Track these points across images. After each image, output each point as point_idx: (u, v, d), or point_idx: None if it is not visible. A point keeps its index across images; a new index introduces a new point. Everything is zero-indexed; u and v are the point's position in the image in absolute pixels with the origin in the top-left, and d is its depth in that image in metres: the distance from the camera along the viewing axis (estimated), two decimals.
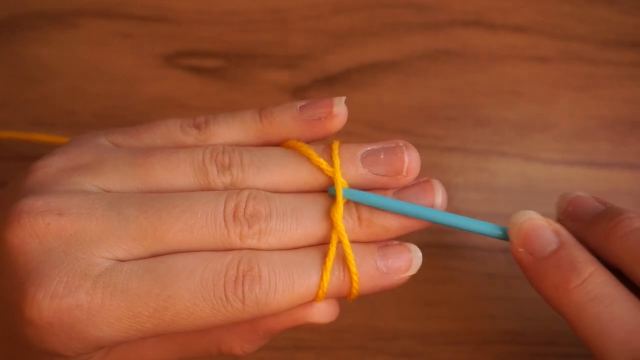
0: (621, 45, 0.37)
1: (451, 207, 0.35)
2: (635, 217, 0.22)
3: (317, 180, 0.23)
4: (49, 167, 0.22)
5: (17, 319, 0.20)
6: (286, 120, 0.24)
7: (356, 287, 0.22)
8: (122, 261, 0.21)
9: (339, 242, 0.22)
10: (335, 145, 0.24)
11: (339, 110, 0.24)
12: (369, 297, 0.34)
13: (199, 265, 0.21)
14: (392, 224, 0.23)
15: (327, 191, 0.23)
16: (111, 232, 0.21)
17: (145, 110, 0.37)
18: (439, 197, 0.24)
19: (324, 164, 0.23)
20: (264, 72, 0.37)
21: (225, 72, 0.37)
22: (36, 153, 0.36)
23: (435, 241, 0.34)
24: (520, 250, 0.23)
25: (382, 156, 0.23)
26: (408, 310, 0.34)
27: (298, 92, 0.37)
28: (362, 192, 0.23)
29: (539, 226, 0.23)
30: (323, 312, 0.23)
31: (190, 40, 0.38)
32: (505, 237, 0.23)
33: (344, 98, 0.24)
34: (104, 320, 0.20)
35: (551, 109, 0.36)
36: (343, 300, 0.33)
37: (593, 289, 0.21)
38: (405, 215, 0.23)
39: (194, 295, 0.21)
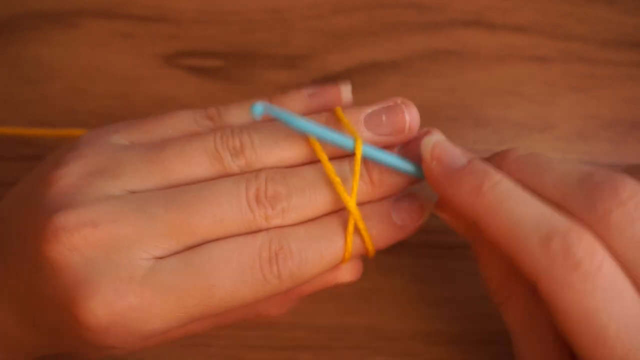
0: (621, 45, 0.37)
1: None
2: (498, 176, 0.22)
3: (328, 151, 0.24)
4: (68, 177, 0.23)
5: (75, 326, 0.22)
6: (297, 108, 0.26)
7: (371, 245, 0.24)
8: (160, 258, 0.22)
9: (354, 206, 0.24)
10: (340, 112, 0.24)
11: (347, 97, 0.26)
12: (369, 297, 0.34)
13: (234, 252, 0.22)
14: (401, 180, 0.25)
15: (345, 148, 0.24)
16: (145, 234, 0.22)
17: (146, 110, 0.37)
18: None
19: (318, 147, 0.24)
20: (264, 72, 0.37)
21: (225, 72, 0.37)
22: (37, 153, 0.36)
23: (435, 241, 0.34)
24: (434, 163, 0.23)
25: (384, 118, 0.24)
26: (408, 310, 0.34)
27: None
28: (378, 150, 0.24)
29: (449, 144, 0.24)
30: (349, 272, 0.26)
31: (191, 40, 0.38)
32: (418, 173, 0.24)
33: (349, 86, 0.26)
34: (156, 316, 0.22)
35: (551, 109, 0.36)
36: (343, 300, 0.33)
37: (505, 189, 0.22)
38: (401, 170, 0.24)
39: (234, 281, 0.22)
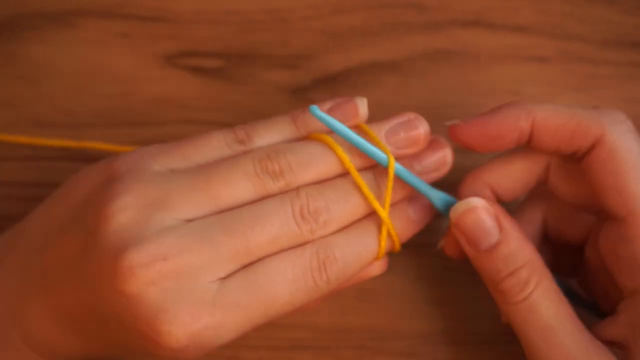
0: (621, 45, 0.37)
1: None
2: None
3: (354, 162, 0.27)
4: (125, 212, 0.24)
5: (151, 347, 0.24)
6: (318, 125, 0.28)
7: (398, 243, 0.28)
8: (224, 279, 0.25)
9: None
10: (366, 127, 0.28)
11: (364, 111, 0.28)
12: (369, 297, 0.34)
13: (288, 267, 0.25)
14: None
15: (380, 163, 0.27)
16: (211, 260, 0.24)
17: (146, 110, 0.37)
18: (448, 150, 0.29)
19: (348, 161, 0.27)
20: (264, 72, 0.37)
21: (225, 72, 0.37)
22: (38, 154, 0.36)
23: (435, 241, 0.34)
24: (458, 234, 0.27)
25: (402, 134, 0.28)
26: (408, 310, 0.34)
27: (298, 92, 0.37)
28: (406, 171, 0.27)
29: (478, 218, 0.27)
30: (379, 267, 0.29)
31: (190, 40, 0.38)
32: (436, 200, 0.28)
33: (365, 99, 0.29)
34: (227, 331, 0.25)
35: None
36: (343, 300, 0.33)
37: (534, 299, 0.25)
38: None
39: (291, 291, 0.25)
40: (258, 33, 0.38)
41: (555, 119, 0.26)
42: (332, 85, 0.37)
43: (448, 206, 0.28)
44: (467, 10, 0.38)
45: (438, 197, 0.28)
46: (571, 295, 0.30)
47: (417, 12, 0.38)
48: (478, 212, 0.26)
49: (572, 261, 0.30)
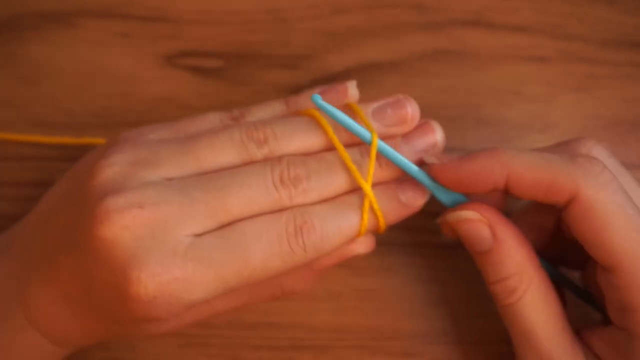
0: (621, 45, 0.37)
1: None
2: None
3: (340, 137, 0.28)
4: (114, 166, 0.26)
5: (122, 299, 0.24)
6: (309, 105, 0.29)
7: (383, 222, 0.27)
8: (199, 235, 0.25)
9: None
10: (355, 106, 0.28)
11: (354, 93, 0.29)
12: (369, 297, 0.34)
13: (264, 228, 0.25)
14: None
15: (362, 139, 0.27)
16: (186, 213, 0.24)
17: (146, 110, 0.37)
18: (439, 134, 0.28)
19: (333, 135, 0.27)
20: (264, 72, 0.37)
21: (225, 72, 0.37)
22: (38, 154, 0.36)
23: (435, 241, 0.34)
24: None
25: (389, 111, 0.28)
26: (407, 310, 0.34)
27: (298, 92, 0.37)
28: (390, 149, 0.27)
29: (475, 227, 0.27)
30: (364, 245, 0.28)
31: (190, 40, 0.38)
32: (419, 175, 0.28)
33: (354, 82, 0.29)
34: (197, 286, 0.24)
35: (551, 109, 0.36)
36: (343, 300, 0.33)
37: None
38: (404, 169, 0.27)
39: (265, 252, 0.25)
40: (258, 33, 0.38)
41: (529, 173, 0.25)
42: None
43: (441, 191, 0.28)
44: (467, 10, 0.38)
45: (431, 183, 0.28)
46: (570, 285, 0.30)
47: (417, 12, 0.38)
48: (473, 223, 0.27)
49: (580, 257, 0.30)
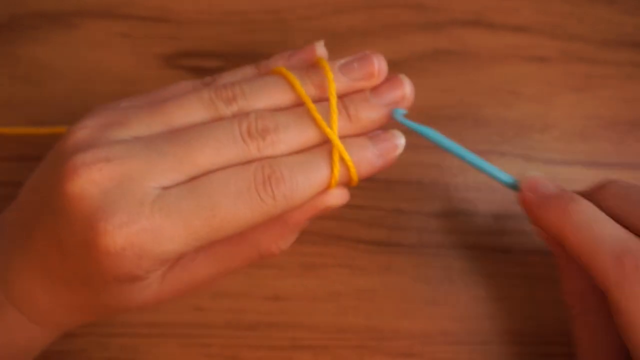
0: (621, 45, 0.37)
1: (451, 207, 0.35)
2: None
3: (310, 92, 0.28)
4: (84, 128, 0.26)
5: (92, 255, 0.24)
6: (280, 65, 0.29)
7: (354, 173, 0.27)
8: (167, 188, 0.25)
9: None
10: (322, 61, 0.28)
11: (322, 52, 0.29)
12: (369, 297, 0.34)
13: (232, 178, 0.25)
14: (375, 116, 0.28)
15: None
16: (154, 166, 0.24)
17: None
18: (407, 87, 0.29)
19: (302, 90, 0.27)
20: None
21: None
22: (37, 153, 0.36)
23: (435, 241, 0.34)
24: (529, 194, 0.28)
25: (355, 65, 0.28)
26: (407, 310, 0.34)
27: None
28: (436, 134, 0.28)
29: (544, 178, 0.29)
30: (337, 197, 0.27)
31: (190, 40, 0.38)
32: (514, 186, 0.29)
33: (322, 41, 0.30)
34: (166, 237, 0.24)
35: (551, 109, 0.36)
36: (342, 300, 0.33)
37: (588, 211, 0.26)
38: (456, 153, 0.29)
39: (233, 201, 0.25)
40: (258, 33, 0.38)
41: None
42: None
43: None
44: (467, 10, 0.38)
45: (497, 173, 0.29)
46: None
47: (417, 12, 0.38)
48: (538, 176, 0.29)
49: None
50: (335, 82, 0.28)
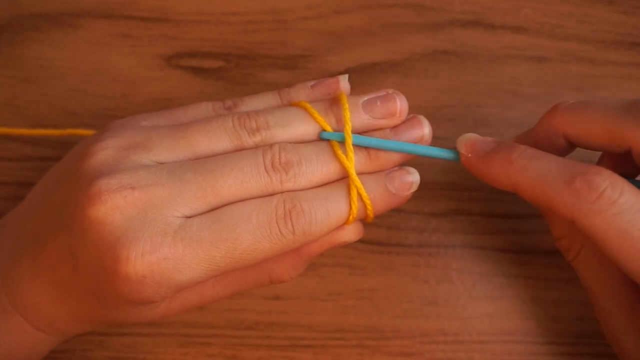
0: (621, 45, 0.37)
1: (451, 208, 0.35)
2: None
3: (332, 127, 0.28)
4: (106, 149, 0.26)
5: (110, 279, 0.24)
6: (302, 98, 0.29)
7: (371, 210, 0.28)
8: (189, 217, 0.25)
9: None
10: (343, 97, 0.28)
11: (345, 86, 0.30)
12: (369, 297, 0.34)
13: (254, 210, 0.25)
14: (394, 156, 0.28)
15: (321, 137, 0.28)
16: (177, 195, 0.25)
17: (146, 111, 0.37)
18: (426, 128, 0.29)
19: (325, 124, 0.28)
20: (264, 72, 0.37)
21: (225, 72, 0.37)
22: (38, 154, 0.36)
23: (435, 241, 0.34)
24: (469, 155, 0.28)
25: (378, 103, 0.28)
26: (407, 310, 0.34)
27: None
28: (364, 137, 0.28)
29: (478, 137, 0.28)
30: (352, 232, 0.28)
31: (191, 41, 0.38)
32: (456, 157, 0.29)
33: (347, 76, 0.30)
34: (187, 267, 0.24)
35: None
36: (342, 300, 0.33)
37: (529, 154, 0.26)
38: (389, 149, 0.28)
39: (254, 235, 0.25)
40: (258, 33, 0.38)
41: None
42: None
43: (448, 153, 0.29)
44: (466, 10, 0.38)
45: (437, 151, 0.29)
46: None
47: (416, 12, 0.38)
48: (475, 136, 0.29)
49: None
50: (357, 120, 0.28)
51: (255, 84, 0.37)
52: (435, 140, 0.35)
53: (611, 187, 0.24)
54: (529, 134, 0.30)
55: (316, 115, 0.28)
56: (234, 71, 0.37)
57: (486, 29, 0.38)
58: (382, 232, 0.35)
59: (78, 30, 0.38)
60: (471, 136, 0.29)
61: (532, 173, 0.26)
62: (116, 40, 0.38)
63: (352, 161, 0.27)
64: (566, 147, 0.29)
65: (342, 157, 0.27)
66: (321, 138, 0.28)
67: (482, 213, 0.35)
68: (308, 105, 0.28)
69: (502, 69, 0.37)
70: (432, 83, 0.37)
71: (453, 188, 0.35)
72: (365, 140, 0.28)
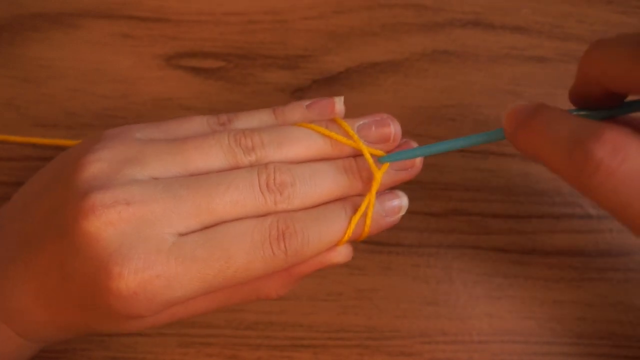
0: None
1: (450, 208, 0.35)
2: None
3: (326, 149, 0.28)
4: (99, 161, 0.26)
5: (101, 293, 0.24)
6: (297, 117, 0.29)
7: (367, 232, 0.28)
8: (183, 235, 0.25)
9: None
10: (340, 121, 0.29)
11: (340, 107, 0.29)
12: (369, 296, 0.34)
13: (247, 230, 0.25)
14: (386, 179, 0.28)
15: (379, 160, 0.29)
16: (172, 212, 0.25)
17: (146, 111, 0.37)
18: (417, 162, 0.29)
19: (344, 138, 0.28)
20: (264, 72, 0.37)
21: (225, 72, 0.37)
22: (39, 154, 0.36)
23: (435, 241, 0.34)
24: (509, 129, 0.26)
25: (373, 128, 0.29)
26: (407, 310, 0.34)
27: (298, 93, 0.37)
28: (394, 153, 0.29)
29: (519, 104, 0.26)
30: (343, 254, 0.28)
31: (191, 41, 0.38)
32: (502, 135, 0.27)
33: (342, 97, 0.29)
34: (179, 284, 0.24)
35: None
36: (342, 300, 0.33)
37: (546, 118, 0.24)
38: (426, 154, 0.28)
39: (248, 254, 0.25)
40: (258, 33, 0.38)
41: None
42: (332, 86, 0.37)
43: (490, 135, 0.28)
44: (466, 10, 0.38)
45: (483, 137, 0.28)
46: None
47: (416, 12, 0.38)
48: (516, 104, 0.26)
49: None
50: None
51: (255, 84, 0.37)
52: (435, 140, 0.36)
53: (610, 155, 0.21)
54: (573, 87, 0.27)
55: (321, 129, 0.28)
56: (234, 71, 0.37)
57: (486, 29, 0.38)
58: (382, 232, 0.35)
59: (78, 30, 0.38)
60: (514, 105, 0.26)
61: (545, 140, 0.24)
62: (116, 40, 0.38)
63: (379, 183, 0.28)
64: (606, 96, 0.25)
65: (376, 178, 0.27)
66: (380, 162, 0.28)
67: (482, 213, 0.35)
68: (307, 124, 0.28)
69: (502, 69, 0.37)
70: (432, 83, 0.37)
71: (453, 188, 0.35)
72: (411, 152, 0.28)
